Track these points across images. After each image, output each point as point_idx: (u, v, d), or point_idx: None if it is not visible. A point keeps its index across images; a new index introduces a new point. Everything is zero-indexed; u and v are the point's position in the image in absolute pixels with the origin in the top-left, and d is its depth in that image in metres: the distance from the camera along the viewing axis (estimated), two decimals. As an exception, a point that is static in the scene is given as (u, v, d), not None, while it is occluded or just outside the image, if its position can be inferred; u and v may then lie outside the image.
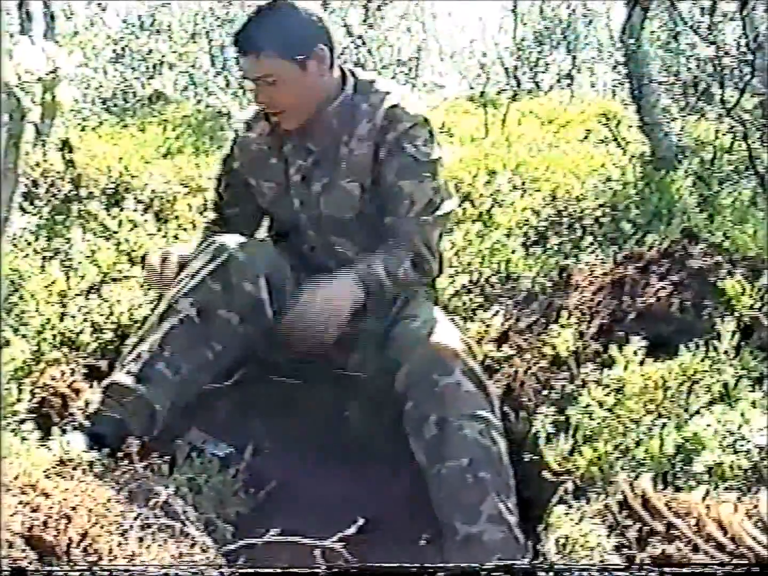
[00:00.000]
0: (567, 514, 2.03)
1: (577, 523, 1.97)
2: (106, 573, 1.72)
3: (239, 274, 2.50)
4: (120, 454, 2.12)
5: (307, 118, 2.66)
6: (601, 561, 1.86)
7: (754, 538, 1.76)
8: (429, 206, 2.65)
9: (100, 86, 8.46)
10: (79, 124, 6.46)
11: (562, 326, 2.75)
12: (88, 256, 3.50)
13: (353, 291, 2.55)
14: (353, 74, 2.74)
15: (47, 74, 1.89)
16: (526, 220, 4.16)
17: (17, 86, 1.87)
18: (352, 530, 2.12)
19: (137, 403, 2.38)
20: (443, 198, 2.70)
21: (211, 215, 3.03)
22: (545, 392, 2.60)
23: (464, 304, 3.29)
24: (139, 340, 2.50)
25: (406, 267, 2.63)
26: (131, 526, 1.87)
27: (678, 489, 2.00)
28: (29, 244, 3.56)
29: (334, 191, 2.68)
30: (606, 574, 1.81)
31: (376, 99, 2.66)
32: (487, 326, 3.05)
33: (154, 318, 2.53)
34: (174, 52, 8.78)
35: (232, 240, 2.55)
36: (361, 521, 2.15)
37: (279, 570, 1.85)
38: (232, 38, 2.62)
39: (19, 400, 2.39)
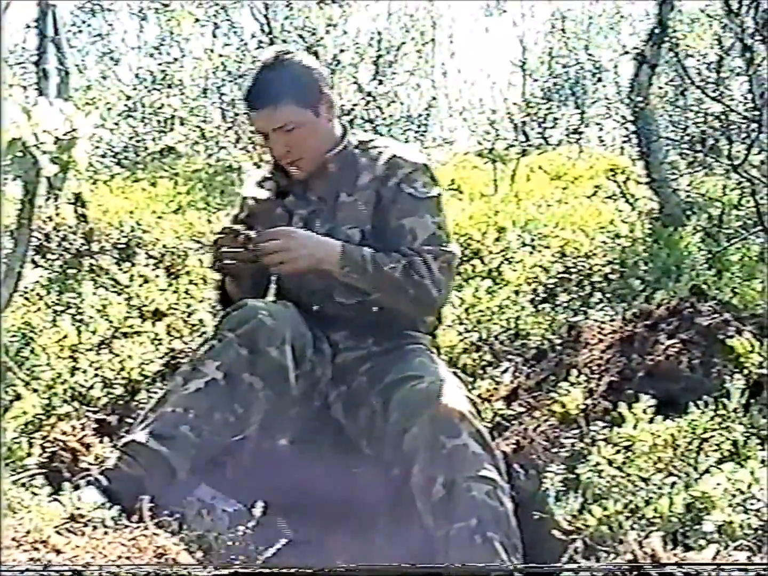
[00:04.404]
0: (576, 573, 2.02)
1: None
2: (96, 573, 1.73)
3: (266, 339, 2.52)
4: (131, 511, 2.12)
5: (316, 165, 2.77)
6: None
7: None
8: (431, 240, 2.70)
9: (112, 140, 8.53)
10: (90, 178, 6.51)
11: (571, 384, 2.75)
12: (99, 311, 3.52)
13: (333, 247, 2.65)
14: (353, 133, 2.89)
15: (64, 135, 1.92)
16: (536, 277, 4.18)
17: (34, 146, 1.89)
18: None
19: (158, 464, 2.37)
20: (447, 235, 2.77)
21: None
22: (554, 450, 2.59)
23: (474, 361, 3.31)
24: (160, 399, 2.50)
25: (396, 266, 2.65)
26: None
27: (688, 548, 1.99)
28: (41, 297, 3.59)
29: (338, 235, 2.72)
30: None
31: (375, 152, 2.81)
32: (497, 384, 3.06)
33: (179, 378, 2.54)
34: (185, 106, 8.86)
35: (260, 304, 2.59)
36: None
37: (280, 570, 1.84)
38: (243, 97, 2.76)
39: (29, 455, 2.39)
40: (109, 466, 2.39)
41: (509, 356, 3.33)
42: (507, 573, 2.21)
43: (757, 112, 4.64)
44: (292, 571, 1.83)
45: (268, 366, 2.52)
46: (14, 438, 2.42)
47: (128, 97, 9.13)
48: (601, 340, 2.98)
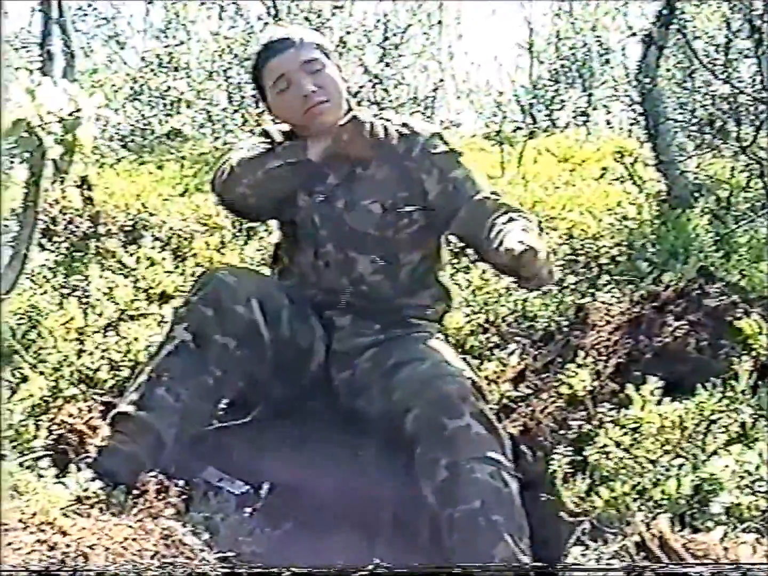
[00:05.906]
0: (584, 555, 2.01)
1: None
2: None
3: (230, 297, 2.52)
4: (136, 492, 2.12)
5: (336, 120, 2.69)
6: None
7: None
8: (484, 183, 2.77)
9: (119, 123, 8.50)
10: (97, 161, 6.49)
11: (578, 366, 2.74)
12: (105, 293, 3.51)
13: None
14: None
15: (69, 115, 1.91)
16: (543, 259, 4.16)
17: (39, 126, 1.89)
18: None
19: (141, 430, 2.38)
20: None
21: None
22: (562, 432, 2.59)
23: (481, 343, 3.30)
24: (140, 371, 2.52)
25: (528, 221, 2.61)
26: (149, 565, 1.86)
27: (696, 530, 1.99)
28: (47, 280, 3.57)
29: (357, 208, 2.73)
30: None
31: (382, 127, 2.74)
32: (504, 365, 3.05)
33: (153, 348, 2.57)
34: (192, 89, 8.83)
35: (222, 267, 2.61)
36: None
37: (280, 570, 1.84)
38: (259, 55, 2.76)
39: (36, 437, 2.39)
40: (103, 445, 2.40)
41: (516, 338, 3.33)
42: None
43: (765, 94, 4.62)
44: (294, 571, 1.83)
45: (237, 323, 2.52)
46: (21, 420, 2.42)
47: (134, 80, 9.10)
48: (608, 322, 2.97)
